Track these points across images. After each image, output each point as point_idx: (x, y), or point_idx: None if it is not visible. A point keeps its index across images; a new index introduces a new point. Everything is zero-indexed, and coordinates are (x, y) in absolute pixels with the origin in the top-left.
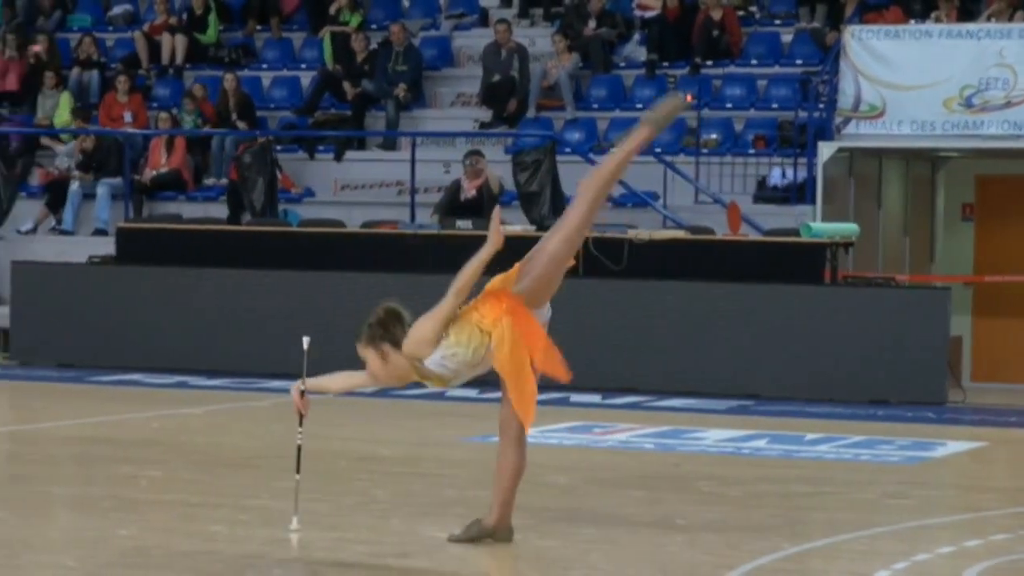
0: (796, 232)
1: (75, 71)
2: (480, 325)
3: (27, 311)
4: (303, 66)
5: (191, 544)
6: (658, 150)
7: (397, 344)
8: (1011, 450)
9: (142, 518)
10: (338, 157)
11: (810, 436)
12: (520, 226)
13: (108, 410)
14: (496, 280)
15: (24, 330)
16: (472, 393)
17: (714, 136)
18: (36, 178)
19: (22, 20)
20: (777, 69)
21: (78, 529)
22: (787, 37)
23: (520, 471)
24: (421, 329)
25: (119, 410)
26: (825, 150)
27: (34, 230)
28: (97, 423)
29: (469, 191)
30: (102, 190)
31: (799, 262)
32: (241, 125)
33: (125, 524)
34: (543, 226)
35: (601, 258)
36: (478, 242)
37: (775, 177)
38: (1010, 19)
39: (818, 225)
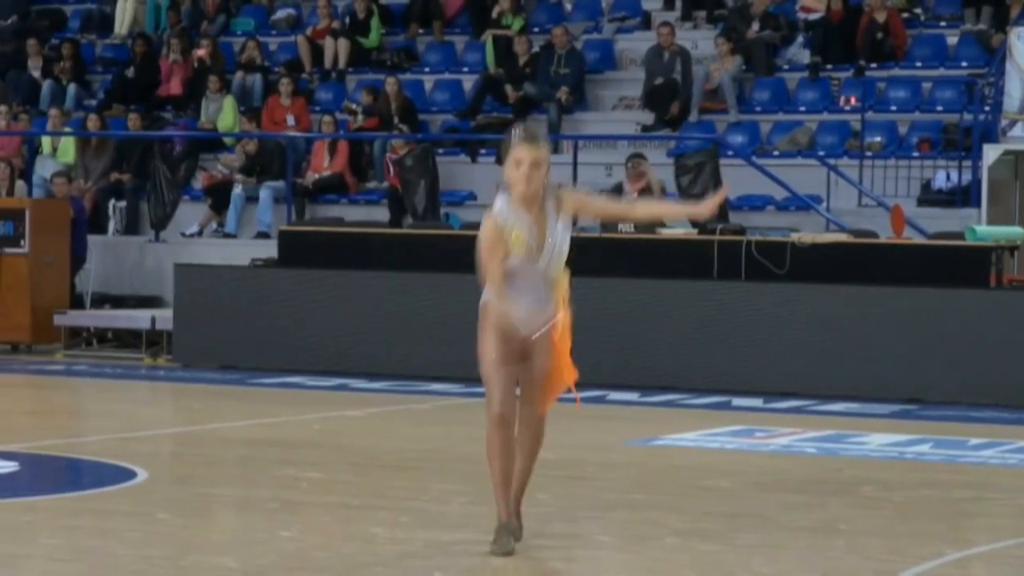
0: (961, 235)
1: (238, 75)
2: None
3: (190, 313)
4: (465, 69)
5: (351, 546)
6: (821, 153)
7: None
8: None
9: (303, 520)
10: (500, 160)
11: (974, 441)
12: (683, 229)
13: (270, 412)
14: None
15: (187, 332)
16: (634, 396)
17: (878, 139)
18: (200, 181)
19: (186, 25)
20: (942, 71)
21: (240, 530)
22: (952, 39)
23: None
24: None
25: (280, 412)
26: (990, 153)
27: (199, 233)
28: (259, 425)
29: (631, 194)
30: (265, 193)
31: (964, 266)
32: (403, 128)
33: (287, 526)
34: (705, 229)
35: (764, 261)
36: (639, 245)
37: (939, 180)
38: None
39: (983, 228)
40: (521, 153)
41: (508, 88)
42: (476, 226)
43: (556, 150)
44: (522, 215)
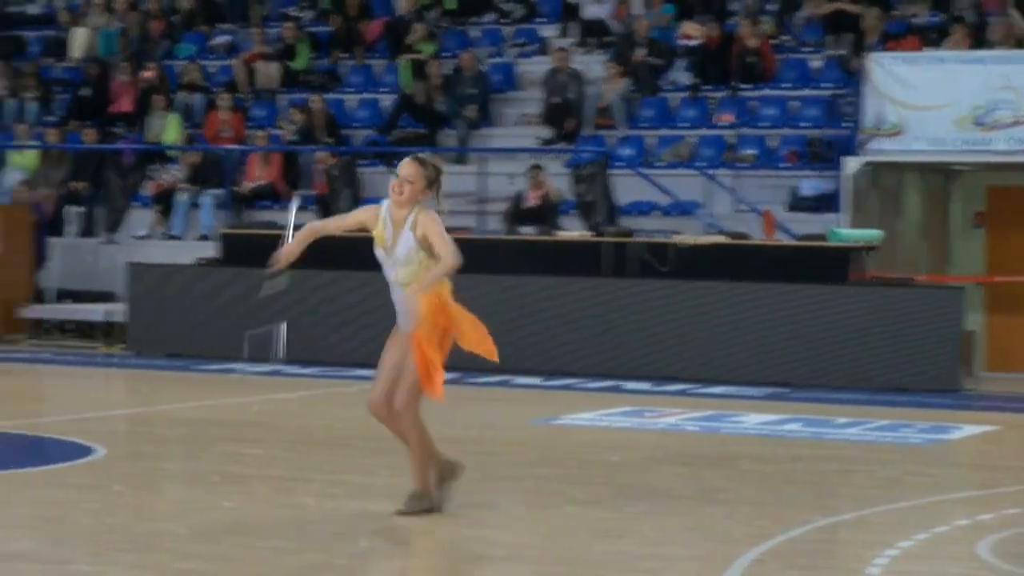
0: (825, 237)
1: (181, 94)
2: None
3: (141, 307)
4: (383, 90)
5: (287, 514)
6: (703, 164)
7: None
8: (1020, 433)
9: (244, 491)
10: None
11: (839, 420)
12: (578, 232)
13: (213, 395)
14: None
15: (138, 324)
16: (536, 381)
17: (751, 152)
18: (148, 189)
19: (135, 50)
20: (807, 92)
21: (188, 501)
22: (816, 63)
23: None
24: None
25: (223, 395)
26: (850, 164)
27: (147, 235)
28: (203, 407)
29: (531, 201)
30: (206, 200)
31: (828, 264)
32: (328, 142)
33: (229, 496)
34: (600, 232)
35: (650, 260)
36: (540, 245)
37: (806, 188)
38: (1016, 46)
39: (845, 231)
40: (400, 168)
41: (422, 106)
42: None
43: (465, 162)
44: (392, 219)
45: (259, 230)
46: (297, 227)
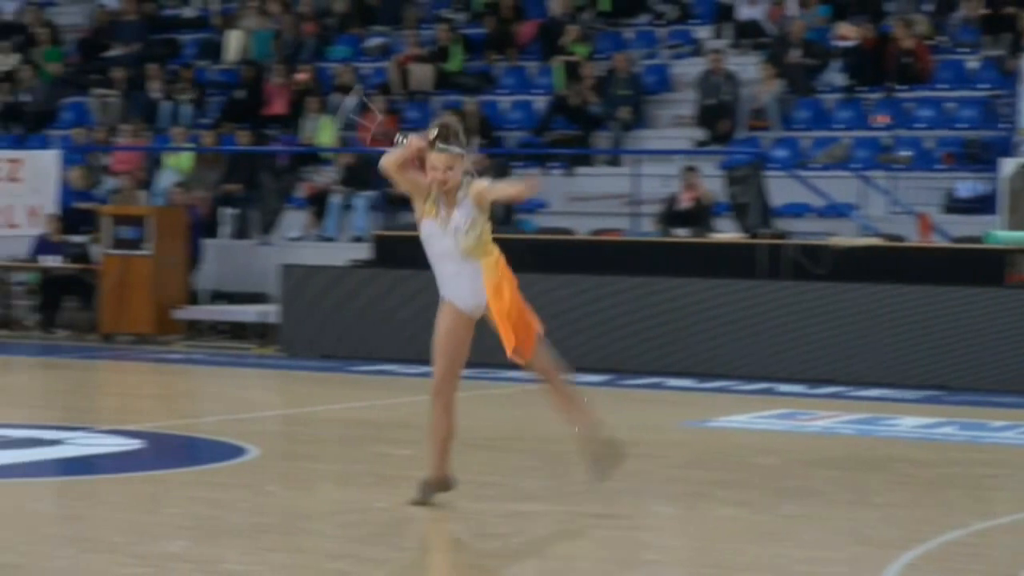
0: (982, 239)
1: (335, 96)
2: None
3: (294, 308)
4: (536, 91)
5: (438, 514)
6: (858, 166)
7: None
8: None
9: (395, 492)
10: (568, 172)
11: (995, 423)
12: (731, 234)
13: (364, 396)
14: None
15: (292, 325)
16: (690, 383)
17: (906, 153)
18: (302, 191)
19: (289, 52)
20: (963, 93)
21: (340, 501)
22: (972, 64)
23: (453, 434)
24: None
25: (374, 396)
26: (1007, 166)
27: (301, 237)
28: (355, 407)
29: (685, 202)
30: (360, 201)
31: (984, 267)
32: (481, 144)
33: (381, 497)
34: (754, 234)
35: (804, 262)
36: (694, 248)
37: (962, 190)
38: None
39: (1002, 233)
40: (434, 160)
41: (576, 108)
42: (549, 231)
43: (618, 163)
44: (445, 197)
45: (412, 232)
46: (355, 117)
